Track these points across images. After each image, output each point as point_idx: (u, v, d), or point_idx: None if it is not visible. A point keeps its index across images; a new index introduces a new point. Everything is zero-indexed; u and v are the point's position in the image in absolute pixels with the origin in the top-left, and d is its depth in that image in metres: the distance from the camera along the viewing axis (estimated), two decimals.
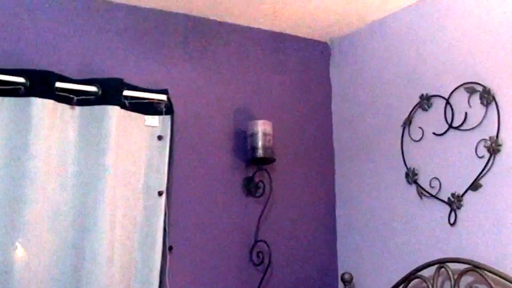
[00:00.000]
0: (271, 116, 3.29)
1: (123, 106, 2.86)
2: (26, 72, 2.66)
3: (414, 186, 3.03)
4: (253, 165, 3.23)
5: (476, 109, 2.77)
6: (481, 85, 2.75)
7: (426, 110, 3.01)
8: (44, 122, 2.65)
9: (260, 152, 3.13)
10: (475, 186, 2.73)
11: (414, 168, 3.03)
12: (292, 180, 3.39)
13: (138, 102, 2.94)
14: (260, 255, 3.17)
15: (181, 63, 3.18)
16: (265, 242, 3.18)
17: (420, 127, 3.03)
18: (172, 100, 3.02)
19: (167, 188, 2.95)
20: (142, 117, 2.96)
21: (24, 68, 2.68)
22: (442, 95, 2.93)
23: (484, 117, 2.73)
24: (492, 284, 2.50)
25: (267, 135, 3.15)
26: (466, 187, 2.77)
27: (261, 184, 3.23)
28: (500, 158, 2.66)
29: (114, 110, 2.79)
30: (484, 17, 2.78)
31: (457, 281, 2.64)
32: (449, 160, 2.87)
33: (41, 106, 2.64)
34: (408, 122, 3.09)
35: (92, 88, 2.80)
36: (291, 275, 3.30)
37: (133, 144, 2.91)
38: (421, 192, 2.98)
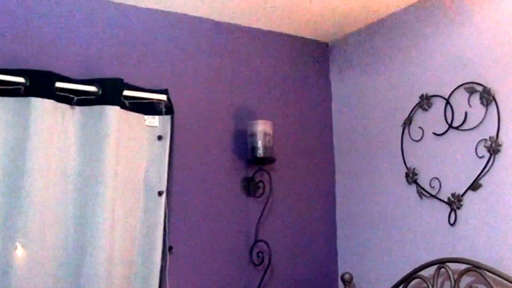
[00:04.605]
0: (271, 116, 3.29)
1: (123, 106, 2.86)
2: (26, 72, 2.66)
3: (414, 186, 3.03)
4: (253, 165, 3.23)
5: (476, 109, 2.77)
6: (481, 85, 2.75)
7: (426, 110, 3.01)
8: (44, 122, 2.65)
9: (260, 152, 3.13)
10: (475, 186, 2.73)
11: (414, 168, 3.03)
12: (292, 180, 3.39)
13: (138, 102, 2.94)
14: (260, 255, 3.18)
15: (181, 63, 3.18)
16: (265, 242, 3.18)
17: (420, 127, 3.03)
18: (172, 100, 3.02)
19: (167, 188, 2.96)
20: (142, 117, 2.96)
21: (24, 68, 2.68)
22: (442, 95, 2.93)
23: (484, 117, 2.73)
24: (492, 284, 2.50)
25: (267, 135, 3.15)
26: (466, 187, 2.76)
27: (261, 184, 3.23)
28: (500, 158, 2.66)
29: (114, 110, 2.79)
30: (484, 17, 2.78)
31: (457, 281, 2.64)
32: (449, 160, 2.87)
33: (41, 106, 2.65)
34: (408, 122, 3.09)
35: (92, 88, 2.80)
36: (291, 275, 3.30)
37: (133, 144, 2.91)
38: (421, 192, 2.98)
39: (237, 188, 3.22)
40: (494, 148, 2.67)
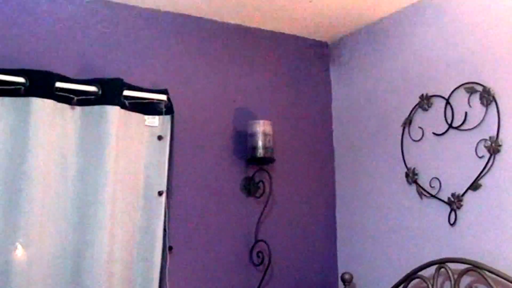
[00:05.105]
0: (271, 116, 3.29)
1: (123, 106, 2.86)
2: (26, 72, 2.66)
3: (414, 186, 3.03)
4: (253, 165, 3.23)
5: (476, 109, 2.77)
6: (481, 85, 2.74)
7: (426, 110, 3.01)
8: (44, 122, 2.65)
9: (260, 152, 3.13)
10: (475, 186, 2.73)
11: (414, 168, 3.03)
12: (292, 180, 3.39)
13: (138, 102, 2.94)
14: (260, 255, 3.18)
15: (181, 63, 3.18)
16: (265, 242, 3.18)
17: (420, 127, 3.03)
18: (172, 100, 3.02)
19: (167, 188, 2.96)
20: (142, 117, 2.96)
21: (24, 68, 2.68)
22: (442, 95, 2.93)
23: (484, 117, 2.73)
24: (492, 284, 2.50)
25: (267, 135, 3.15)
26: (466, 187, 2.76)
27: (261, 184, 3.23)
28: (500, 158, 2.66)
29: (114, 110, 2.79)
30: (484, 17, 2.78)
31: (457, 281, 2.64)
32: (449, 160, 2.87)
33: (41, 106, 2.65)
34: (408, 122, 3.09)
35: (92, 88, 2.80)
36: (291, 275, 3.30)
37: (133, 144, 2.91)
38: (421, 192, 2.98)
39: (237, 188, 3.22)
40: (494, 148, 2.67)
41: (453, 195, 2.82)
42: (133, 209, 2.87)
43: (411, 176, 3.04)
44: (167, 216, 2.93)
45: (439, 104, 2.95)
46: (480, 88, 2.75)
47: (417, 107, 3.06)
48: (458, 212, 2.81)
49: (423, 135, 3.02)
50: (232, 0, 3.08)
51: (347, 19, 3.33)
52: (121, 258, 2.79)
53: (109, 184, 2.73)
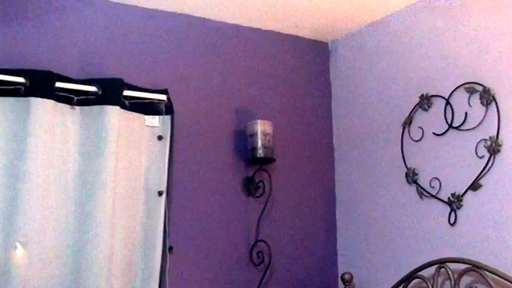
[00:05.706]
0: (271, 116, 3.29)
1: (123, 106, 2.86)
2: (26, 72, 2.66)
3: (414, 186, 3.03)
4: (253, 165, 3.23)
5: (476, 109, 2.77)
6: (481, 85, 2.75)
7: (426, 110, 3.01)
8: (44, 122, 2.65)
9: (260, 152, 3.13)
10: (475, 186, 2.73)
11: (414, 168, 3.03)
12: (292, 180, 3.39)
13: (138, 102, 2.94)
14: (260, 255, 3.17)
15: (181, 63, 3.18)
16: (265, 242, 3.18)
17: (420, 127, 3.03)
18: (172, 100, 3.02)
19: (167, 188, 2.95)
20: (142, 117, 2.96)
21: (24, 68, 2.68)
22: (442, 95, 2.93)
23: (484, 117, 2.73)
24: (492, 284, 2.50)
25: (267, 135, 3.15)
26: (466, 187, 2.76)
27: (261, 184, 3.23)
28: (500, 158, 2.66)
29: (114, 110, 2.79)
30: (484, 17, 2.78)
31: (457, 281, 2.64)
32: (449, 160, 2.87)
33: (41, 106, 2.65)
34: (408, 122, 3.09)
35: (92, 88, 2.80)
36: (291, 275, 3.30)
37: (133, 144, 2.91)
38: (421, 192, 2.98)
39: (237, 188, 3.22)
40: (494, 148, 2.67)
41: (453, 195, 2.82)
42: (133, 209, 2.87)
43: (411, 176, 3.04)
44: (167, 216, 2.93)
45: (439, 104, 2.95)
46: (480, 88, 2.75)
47: (417, 107, 3.06)
48: (458, 212, 2.81)
49: (423, 135, 3.02)
50: (232, 0, 3.08)
51: (347, 19, 3.33)
52: (121, 258, 2.79)
53: (109, 184, 2.73)
